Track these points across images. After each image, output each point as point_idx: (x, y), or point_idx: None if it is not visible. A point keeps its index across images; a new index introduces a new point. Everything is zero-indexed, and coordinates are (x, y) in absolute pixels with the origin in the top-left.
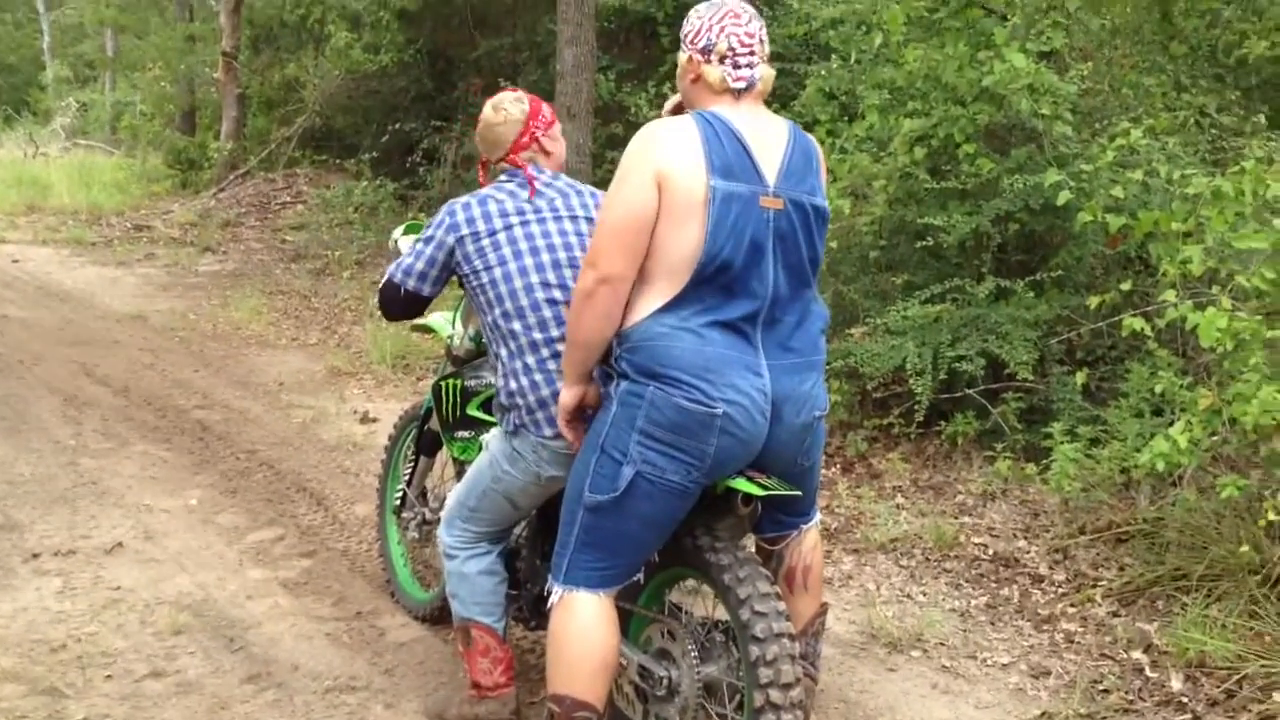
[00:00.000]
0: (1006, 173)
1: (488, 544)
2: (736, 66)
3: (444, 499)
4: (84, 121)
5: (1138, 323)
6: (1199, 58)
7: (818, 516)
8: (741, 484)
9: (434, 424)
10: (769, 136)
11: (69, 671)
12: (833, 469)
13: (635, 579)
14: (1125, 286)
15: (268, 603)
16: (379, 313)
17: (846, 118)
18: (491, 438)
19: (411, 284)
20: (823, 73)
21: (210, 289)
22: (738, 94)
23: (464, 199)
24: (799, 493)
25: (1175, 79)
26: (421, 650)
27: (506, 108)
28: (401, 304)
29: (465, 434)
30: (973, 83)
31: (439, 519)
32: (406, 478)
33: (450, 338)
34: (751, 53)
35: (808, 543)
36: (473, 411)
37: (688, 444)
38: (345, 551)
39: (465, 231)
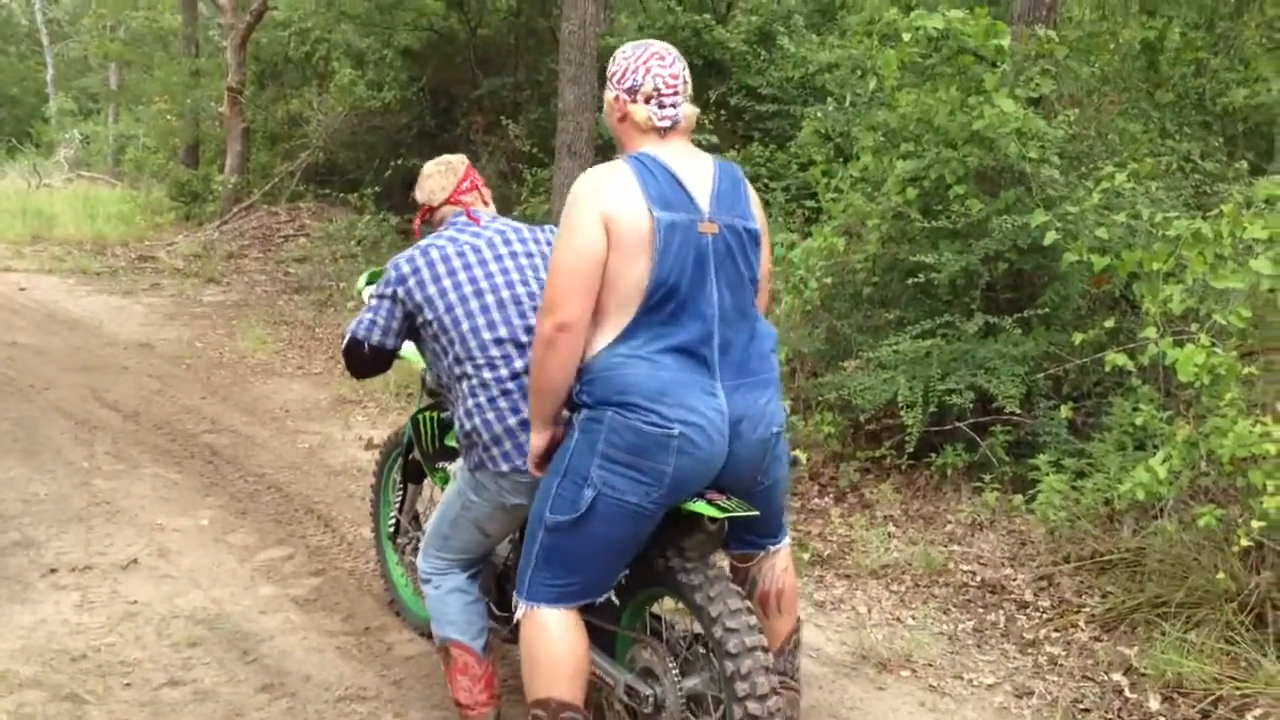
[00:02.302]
0: (996, 213)
1: (459, 569)
2: (661, 106)
3: None
4: (87, 154)
5: (1121, 358)
6: (1185, 105)
7: (787, 538)
8: (701, 507)
9: (417, 454)
10: (697, 169)
11: (89, 679)
12: (825, 498)
13: (605, 598)
14: (1109, 324)
15: (279, 618)
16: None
17: (841, 158)
18: (458, 468)
19: (375, 338)
20: (819, 115)
21: (215, 319)
22: (663, 132)
23: (407, 252)
24: (757, 513)
25: (1161, 126)
26: (428, 664)
27: (448, 160)
28: (368, 361)
29: (446, 464)
30: (963, 126)
31: None
32: (397, 505)
33: (425, 370)
34: (676, 93)
35: (779, 565)
36: (451, 442)
37: (646, 465)
38: (353, 571)
39: (412, 282)
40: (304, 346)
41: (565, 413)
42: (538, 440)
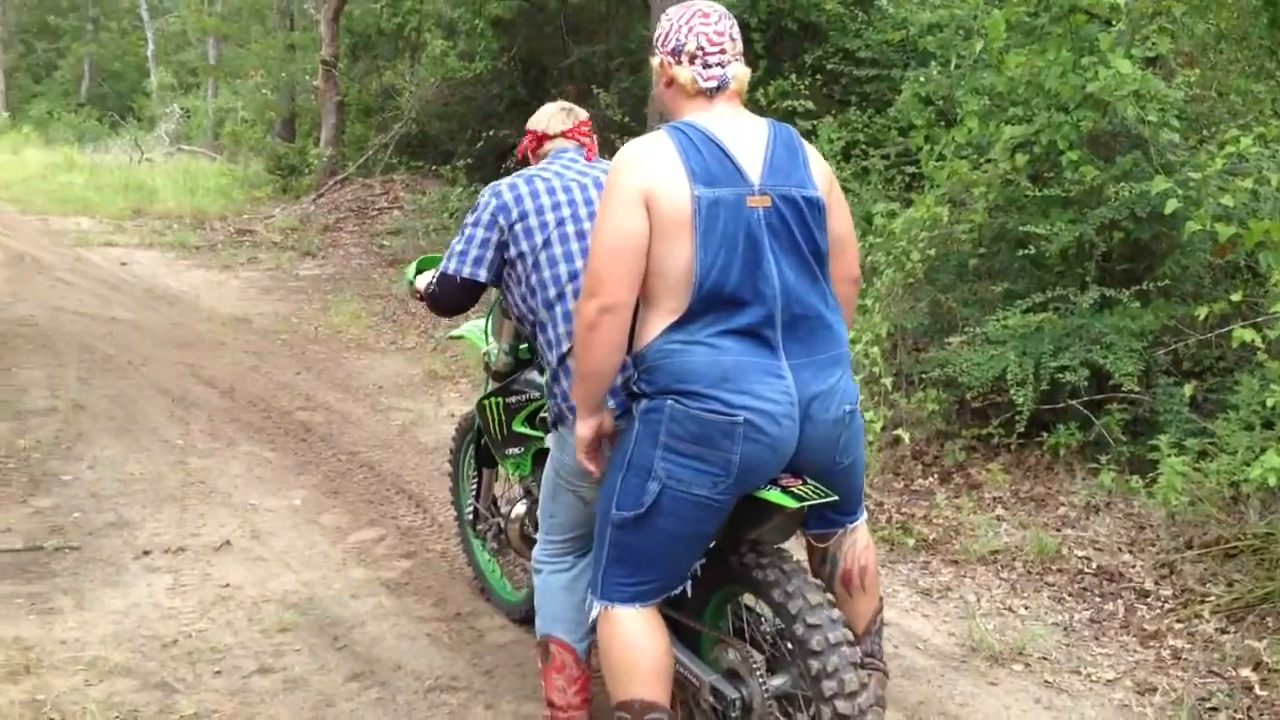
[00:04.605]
0: (1111, 180)
1: (573, 558)
2: (706, 66)
3: (515, 501)
4: (187, 127)
5: (1248, 334)
6: None
7: (864, 514)
8: (775, 496)
9: (487, 440)
10: (748, 136)
11: (179, 667)
12: (930, 478)
13: (680, 591)
14: (1235, 297)
15: (371, 602)
16: (433, 313)
17: (944, 123)
18: (553, 439)
19: (467, 270)
20: (920, 79)
21: (311, 293)
22: (710, 94)
23: (508, 180)
24: (836, 498)
25: None
26: (520, 652)
27: (572, 106)
28: (458, 293)
29: (516, 450)
30: (1076, 89)
31: (514, 522)
32: (474, 492)
33: (487, 353)
34: (722, 51)
35: (860, 543)
36: (519, 428)
37: (711, 454)
38: (444, 553)
39: (515, 212)
40: (397, 321)
41: (610, 402)
42: (584, 428)
